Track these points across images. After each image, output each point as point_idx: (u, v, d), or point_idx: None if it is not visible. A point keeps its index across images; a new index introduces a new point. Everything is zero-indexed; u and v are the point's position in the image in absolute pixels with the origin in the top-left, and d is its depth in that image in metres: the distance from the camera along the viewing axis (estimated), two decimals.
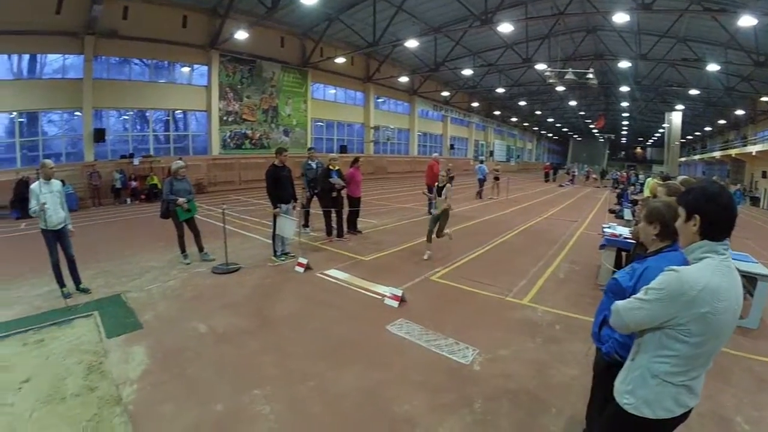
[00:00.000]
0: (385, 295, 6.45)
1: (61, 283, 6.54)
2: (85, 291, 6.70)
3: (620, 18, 17.35)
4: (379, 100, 35.22)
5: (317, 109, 29.48)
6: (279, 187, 8.43)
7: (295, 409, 3.78)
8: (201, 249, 8.59)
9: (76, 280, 6.75)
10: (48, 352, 4.80)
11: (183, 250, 8.43)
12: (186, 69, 22.41)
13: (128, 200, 18.93)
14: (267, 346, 4.97)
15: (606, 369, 2.59)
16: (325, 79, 29.74)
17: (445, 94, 39.81)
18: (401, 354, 4.80)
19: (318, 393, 4.03)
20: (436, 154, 16.19)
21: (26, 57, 17.25)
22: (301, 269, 7.89)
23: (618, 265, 7.05)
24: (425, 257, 8.76)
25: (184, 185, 8.32)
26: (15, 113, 17.13)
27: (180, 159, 10.78)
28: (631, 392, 2.01)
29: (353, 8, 23.37)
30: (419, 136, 40.35)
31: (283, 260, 8.58)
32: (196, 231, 8.53)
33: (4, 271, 7.85)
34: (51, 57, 17.89)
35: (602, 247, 7.45)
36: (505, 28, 19.93)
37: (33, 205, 6.23)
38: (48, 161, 6.59)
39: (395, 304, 6.18)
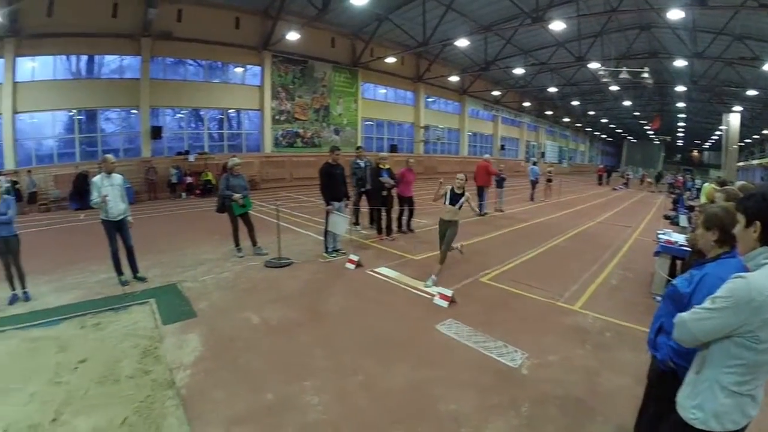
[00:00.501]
0: (435, 295, 6.37)
1: (119, 271, 6.85)
2: (142, 279, 6.99)
3: (674, 15, 16.63)
4: (429, 100, 34.94)
5: (368, 108, 29.63)
6: (332, 184, 8.48)
7: (343, 402, 3.83)
8: (254, 243, 8.75)
9: (134, 269, 7.05)
10: (105, 336, 4.98)
11: (237, 244, 8.64)
12: (239, 69, 22.97)
13: (183, 195, 19.65)
14: (317, 340, 5.01)
15: (660, 377, 2.56)
16: (376, 79, 29.79)
17: (496, 93, 39.01)
18: (449, 354, 4.76)
19: (366, 387, 4.06)
20: (487, 155, 15.91)
21: (84, 58, 18.24)
22: (351, 266, 7.92)
23: (672, 274, 6.68)
24: (429, 281, 7.05)
25: (240, 181, 8.50)
26: (74, 111, 18.16)
27: (234, 156, 10.97)
28: (698, 407, 1.97)
29: (402, 8, 23.31)
30: (469, 136, 39.80)
31: (334, 257, 8.61)
32: (251, 226, 8.71)
33: (65, 259, 8.28)
34: (109, 58, 18.81)
35: (657, 254, 7.10)
36: (557, 25, 19.32)
37: (94, 197, 6.55)
38: (110, 156, 6.93)
39: (445, 304, 6.11)
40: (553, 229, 12.64)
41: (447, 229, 7.17)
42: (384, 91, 31.27)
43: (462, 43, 22.57)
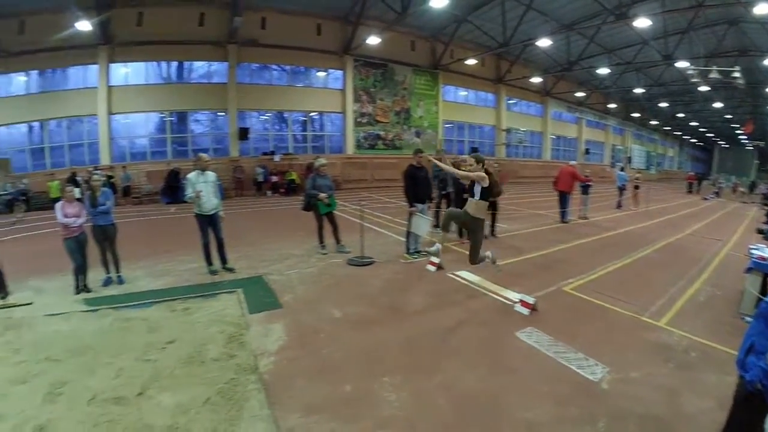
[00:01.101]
0: (516, 302, 6.16)
1: (209, 262, 7.27)
2: (231, 270, 7.35)
3: (762, 9, 15.38)
4: (511, 102, 34.20)
5: (448, 110, 29.54)
6: (416, 186, 8.43)
7: (419, 400, 3.82)
8: (338, 241, 8.90)
9: (224, 260, 7.44)
10: (193, 320, 5.25)
11: (321, 241, 8.83)
12: (321, 73, 23.80)
13: (268, 193, 20.60)
14: (397, 338, 5.02)
15: (747, 399, 2.43)
16: (456, 81, 29.61)
17: (580, 94, 37.43)
18: (528, 362, 4.62)
19: (443, 388, 4.02)
20: (573, 162, 15.32)
21: (174, 64, 19.82)
22: (432, 268, 7.84)
23: (764, 292, 6.06)
24: (432, 248, 7.18)
25: (326, 181, 8.69)
26: (166, 113, 19.74)
27: (320, 157, 11.23)
28: None
29: (482, 8, 23.05)
30: (552, 139, 38.41)
31: (415, 258, 8.57)
32: (335, 224, 8.86)
33: (157, 248, 8.93)
34: (197, 64, 20.31)
35: (748, 270, 6.44)
36: (642, 22, 18.36)
37: (189, 192, 6.98)
38: (204, 155, 7.38)
39: (526, 311, 5.90)
40: (640, 239, 11.90)
41: (467, 224, 6.40)
42: (464, 93, 31.03)
43: (543, 42, 22.04)
